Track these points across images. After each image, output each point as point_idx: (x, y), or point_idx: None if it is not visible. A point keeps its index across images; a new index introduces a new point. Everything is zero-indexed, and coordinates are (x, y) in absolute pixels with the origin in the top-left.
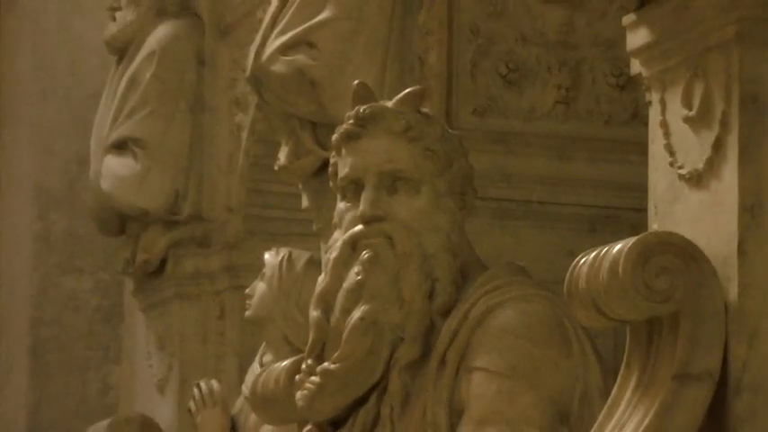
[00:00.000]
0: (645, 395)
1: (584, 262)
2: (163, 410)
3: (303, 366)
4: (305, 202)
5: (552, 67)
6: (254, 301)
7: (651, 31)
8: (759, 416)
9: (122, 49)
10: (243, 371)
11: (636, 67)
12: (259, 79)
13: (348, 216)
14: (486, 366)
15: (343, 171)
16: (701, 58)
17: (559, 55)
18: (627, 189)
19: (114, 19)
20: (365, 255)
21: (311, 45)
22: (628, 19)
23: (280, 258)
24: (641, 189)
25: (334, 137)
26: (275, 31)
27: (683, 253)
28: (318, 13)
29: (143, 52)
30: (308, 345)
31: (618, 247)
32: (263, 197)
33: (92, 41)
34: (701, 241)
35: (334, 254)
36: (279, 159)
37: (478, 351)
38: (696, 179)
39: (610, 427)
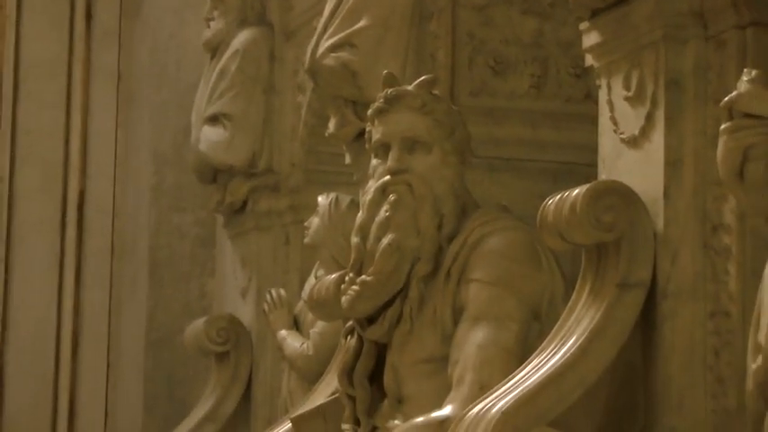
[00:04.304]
0: (595, 299)
1: (551, 202)
2: (245, 311)
3: (346, 278)
4: (348, 160)
5: (527, 61)
6: (311, 231)
7: (600, 34)
8: (678, 314)
9: (215, 49)
10: (302, 282)
11: (589, 60)
12: (314, 70)
13: (379, 169)
14: (479, 278)
15: (375, 137)
16: (636, 54)
17: (532, 52)
18: (582, 149)
19: (209, 27)
20: (392, 197)
21: (352, 45)
22: (583, 26)
23: (329, 200)
24: (593, 149)
25: (369, 112)
26: (326, 35)
27: (624, 196)
28: (358, 22)
29: (230, 51)
30: (350, 263)
31: (576, 191)
32: (317, 156)
33: (193, 44)
34: (636, 187)
35: (368, 197)
36: (329, 128)
37: (474, 267)
38: (633, 142)
39: (570, 322)
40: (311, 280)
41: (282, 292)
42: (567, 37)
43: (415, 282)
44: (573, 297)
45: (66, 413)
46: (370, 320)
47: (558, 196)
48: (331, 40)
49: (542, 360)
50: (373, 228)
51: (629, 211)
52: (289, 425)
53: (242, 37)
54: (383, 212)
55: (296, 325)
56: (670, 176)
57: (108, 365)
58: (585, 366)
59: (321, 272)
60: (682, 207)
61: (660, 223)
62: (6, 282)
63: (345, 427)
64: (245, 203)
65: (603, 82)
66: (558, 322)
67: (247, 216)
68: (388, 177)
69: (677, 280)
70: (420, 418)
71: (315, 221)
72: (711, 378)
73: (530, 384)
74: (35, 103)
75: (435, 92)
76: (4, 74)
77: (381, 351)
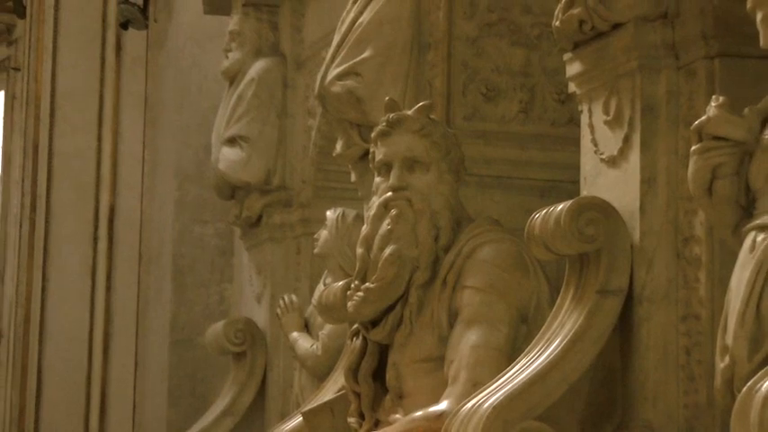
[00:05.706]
0: (578, 304)
1: (538, 216)
2: (260, 315)
3: (352, 285)
4: (353, 178)
5: (516, 88)
6: (320, 242)
7: (582, 64)
8: (653, 318)
9: (233, 77)
10: (312, 289)
11: (572, 87)
12: (323, 96)
13: (382, 186)
14: (473, 285)
15: (378, 157)
16: (615, 82)
17: (521, 80)
18: (566, 168)
19: (227, 57)
20: (393, 212)
21: (357, 74)
22: (566, 56)
23: (336, 214)
24: (575, 168)
25: (373, 134)
26: (333, 65)
27: (603, 210)
28: (362, 53)
29: (246, 79)
30: (356, 271)
31: (560, 206)
32: (325, 174)
33: (213, 72)
34: (615, 203)
35: (372, 211)
36: (336, 149)
37: (468, 275)
38: (612, 162)
39: (555, 325)
40: (320, 287)
41: (294, 297)
42: (552, 66)
43: (414, 288)
44: (557, 302)
45: (98, 406)
46: (374, 323)
47: (544, 211)
48: (338, 69)
49: (530, 360)
50: (376, 239)
51: (609, 224)
52: (300, 418)
53: (257, 66)
54: (385, 225)
55: (306, 327)
56: (645, 193)
57: (136, 363)
58: (569, 366)
59: (329, 279)
60: (656, 220)
61: (636, 235)
62: (44, 288)
63: (351, 420)
64: (260, 217)
65: (585, 107)
66: (544, 325)
67: (262, 228)
68: (389, 194)
69: (652, 287)
70: (419, 413)
71: (323, 233)
72: (683, 376)
73: (518, 382)
74: (69, 127)
75: (433, 116)
76: (41, 101)
77: (384, 351)
